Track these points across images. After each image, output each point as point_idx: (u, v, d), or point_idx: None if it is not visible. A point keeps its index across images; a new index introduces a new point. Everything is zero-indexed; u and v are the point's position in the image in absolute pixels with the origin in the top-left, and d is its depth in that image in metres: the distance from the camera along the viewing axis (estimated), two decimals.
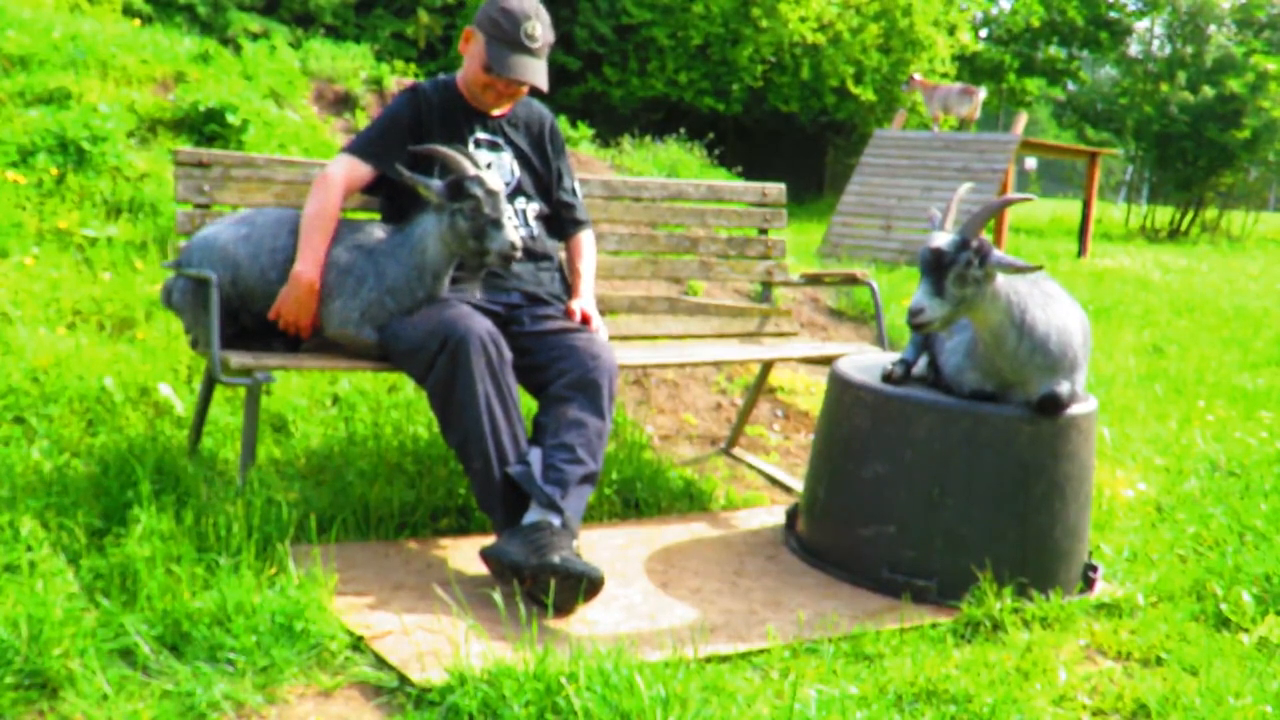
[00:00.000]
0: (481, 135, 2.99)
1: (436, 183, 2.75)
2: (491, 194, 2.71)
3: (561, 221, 3.14)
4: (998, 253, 2.53)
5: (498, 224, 2.71)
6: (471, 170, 2.73)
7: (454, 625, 2.31)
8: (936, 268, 2.52)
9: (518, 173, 3.03)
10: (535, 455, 2.63)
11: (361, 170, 2.89)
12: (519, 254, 2.74)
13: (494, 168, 2.97)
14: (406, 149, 2.88)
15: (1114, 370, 5.71)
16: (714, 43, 16.32)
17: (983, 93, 12.27)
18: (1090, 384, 4.40)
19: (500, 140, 3.02)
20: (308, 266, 2.76)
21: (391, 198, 2.97)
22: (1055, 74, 23.89)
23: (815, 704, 2.09)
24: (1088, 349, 2.77)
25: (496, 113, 3.02)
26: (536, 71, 2.87)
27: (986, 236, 2.56)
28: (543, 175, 3.09)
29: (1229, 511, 3.41)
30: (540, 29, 2.87)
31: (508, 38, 2.84)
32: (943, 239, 2.54)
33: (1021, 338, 2.61)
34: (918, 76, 12.29)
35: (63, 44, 5.59)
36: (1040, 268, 2.56)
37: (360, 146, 2.92)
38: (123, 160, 4.76)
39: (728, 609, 2.62)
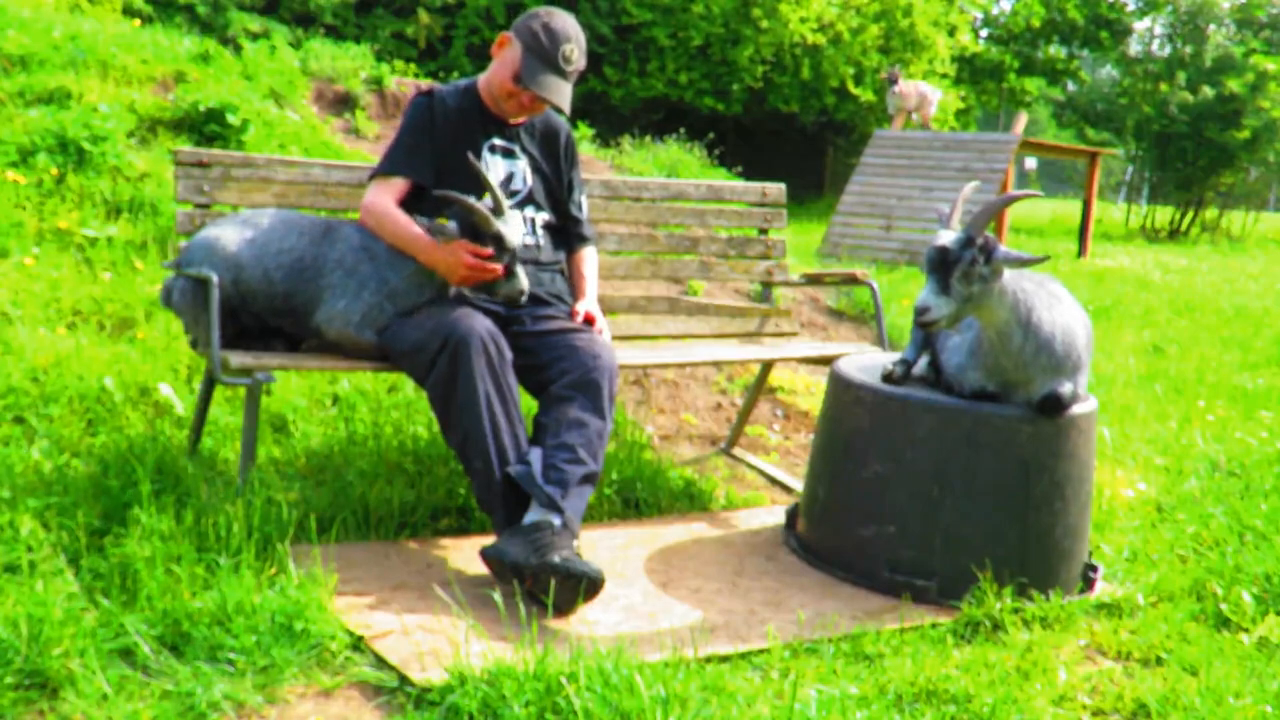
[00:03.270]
0: (498, 142, 2.99)
1: (453, 225, 2.75)
2: (509, 251, 2.71)
3: (568, 235, 3.14)
4: (1003, 248, 2.53)
5: (511, 273, 2.72)
6: (495, 226, 2.70)
7: (454, 625, 2.31)
8: (942, 265, 2.51)
9: (530, 181, 3.03)
10: (536, 455, 2.63)
11: (396, 185, 2.88)
12: (525, 300, 2.76)
13: (513, 176, 2.99)
14: (433, 151, 2.88)
15: (1114, 370, 5.71)
16: (714, 43, 16.29)
17: (940, 94, 12.55)
18: (1090, 384, 4.40)
19: (516, 148, 3.02)
20: (426, 249, 2.75)
21: (404, 204, 2.97)
22: (1055, 74, 23.86)
23: (815, 704, 2.09)
24: (1090, 351, 2.77)
25: (515, 121, 3.02)
26: (563, 94, 2.87)
27: (991, 234, 2.56)
28: (554, 186, 3.09)
29: (1229, 511, 3.41)
30: (577, 54, 2.88)
31: (545, 54, 2.83)
32: (948, 237, 2.54)
33: (1027, 337, 2.61)
34: (900, 78, 12.21)
35: (63, 44, 5.59)
36: (1046, 258, 2.55)
37: (387, 167, 2.91)
38: (123, 160, 4.76)
39: (728, 609, 2.62)
